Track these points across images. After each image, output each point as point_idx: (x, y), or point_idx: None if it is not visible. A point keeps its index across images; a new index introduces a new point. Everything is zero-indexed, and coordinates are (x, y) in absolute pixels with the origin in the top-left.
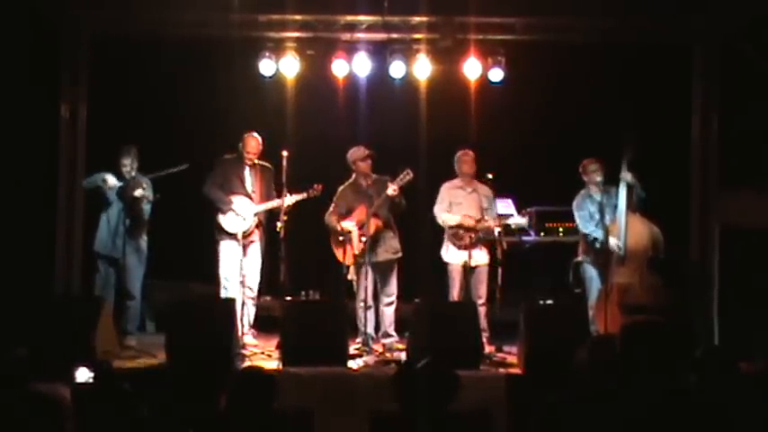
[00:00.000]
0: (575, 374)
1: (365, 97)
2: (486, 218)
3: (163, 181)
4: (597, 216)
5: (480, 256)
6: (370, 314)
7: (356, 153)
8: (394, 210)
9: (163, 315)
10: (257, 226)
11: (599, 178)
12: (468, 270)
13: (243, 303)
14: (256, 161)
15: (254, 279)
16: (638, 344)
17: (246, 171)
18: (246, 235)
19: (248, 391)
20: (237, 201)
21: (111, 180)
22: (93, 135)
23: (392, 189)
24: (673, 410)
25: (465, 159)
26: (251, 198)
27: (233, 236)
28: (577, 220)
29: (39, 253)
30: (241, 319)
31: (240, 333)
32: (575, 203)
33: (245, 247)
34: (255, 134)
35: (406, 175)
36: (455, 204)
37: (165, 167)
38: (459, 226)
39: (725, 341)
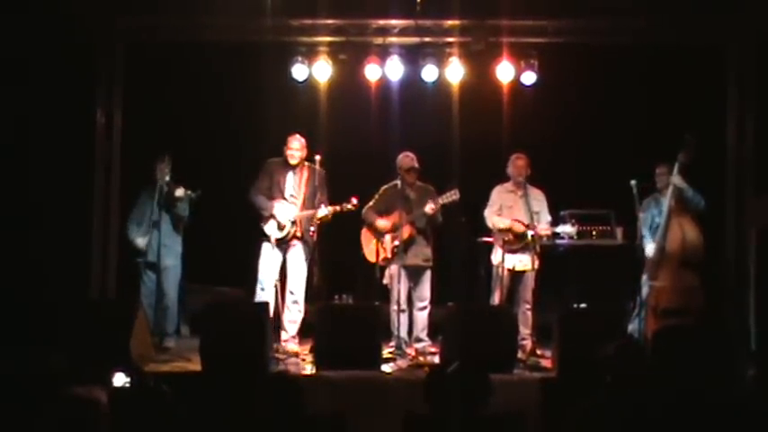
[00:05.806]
0: (600, 369)
1: (398, 101)
2: (536, 223)
3: (201, 186)
4: (658, 219)
5: (529, 261)
6: (404, 318)
7: (403, 161)
8: (430, 223)
9: (197, 319)
10: (299, 230)
11: (659, 184)
12: (515, 274)
13: (283, 307)
14: (305, 162)
15: (296, 283)
16: (670, 347)
17: (290, 174)
18: (285, 240)
19: (278, 396)
20: (277, 207)
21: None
22: (127, 141)
23: (430, 208)
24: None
25: (517, 163)
26: (291, 202)
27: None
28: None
29: (75, 257)
30: (282, 325)
31: (281, 339)
32: (642, 205)
33: (284, 250)
34: (298, 135)
35: (452, 195)
36: (506, 208)
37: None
38: (509, 230)
39: (761, 343)
